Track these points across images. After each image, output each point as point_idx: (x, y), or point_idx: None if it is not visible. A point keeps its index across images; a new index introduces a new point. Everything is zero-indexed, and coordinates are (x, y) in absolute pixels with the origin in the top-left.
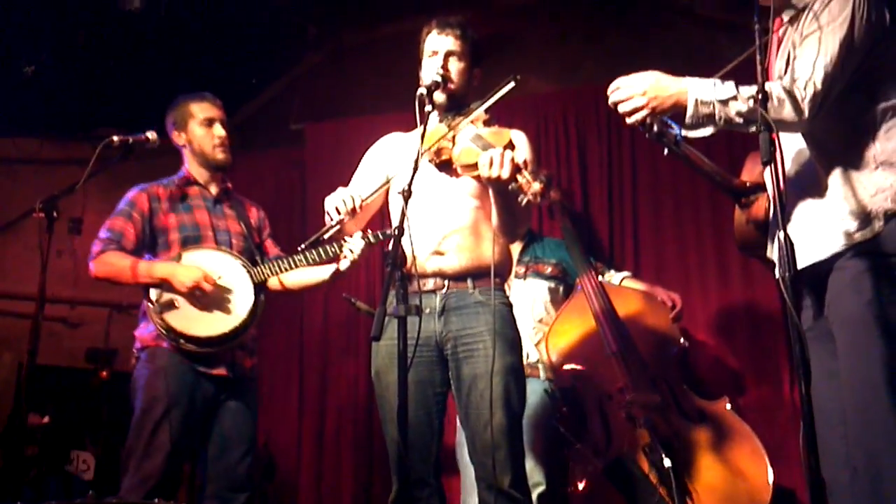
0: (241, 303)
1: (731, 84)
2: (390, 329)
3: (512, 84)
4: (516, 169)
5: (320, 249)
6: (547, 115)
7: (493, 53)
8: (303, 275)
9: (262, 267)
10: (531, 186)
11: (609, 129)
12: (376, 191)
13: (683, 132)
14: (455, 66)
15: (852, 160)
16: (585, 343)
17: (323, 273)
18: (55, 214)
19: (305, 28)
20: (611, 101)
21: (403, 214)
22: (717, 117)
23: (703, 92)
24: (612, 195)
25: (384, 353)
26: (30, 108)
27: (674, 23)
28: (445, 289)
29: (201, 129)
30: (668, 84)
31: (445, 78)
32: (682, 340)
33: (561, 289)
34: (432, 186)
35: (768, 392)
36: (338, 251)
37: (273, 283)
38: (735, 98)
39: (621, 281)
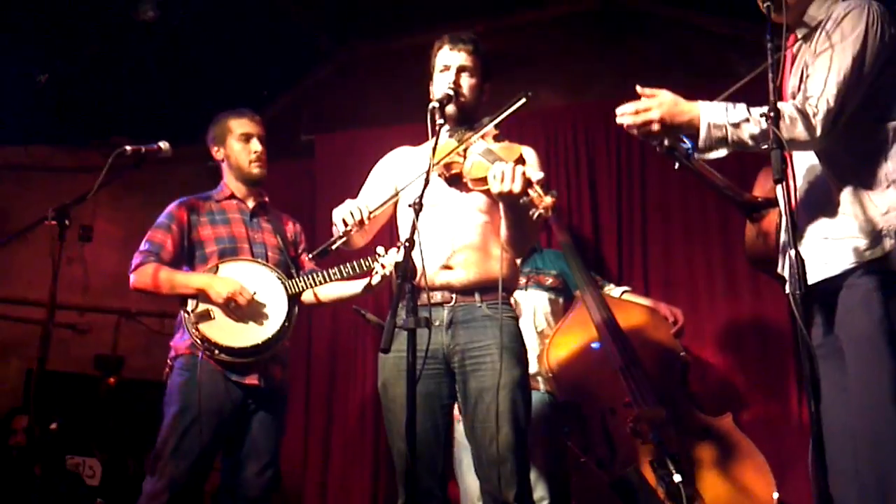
0: (276, 315)
1: (742, 107)
2: (398, 341)
3: (523, 100)
4: (527, 183)
5: (354, 263)
6: (557, 130)
7: (504, 68)
8: (336, 288)
9: (297, 280)
10: (542, 200)
11: (619, 144)
12: (384, 203)
13: (697, 155)
14: (467, 81)
15: (864, 178)
16: (587, 356)
17: (356, 287)
18: (66, 223)
19: (317, 39)
20: (621, 118)
21: (414, 227)
22: (729, 140)
23: (716, 115)
24: (622, 210)
25: (391, 366)
26: (42, 115)
27: (684, 38)
28: (453, 302)
29: (238, 145)
30: (681, 104)
31: (457, 93)
32: (684, 355)
33: (561, 300)
34: (442, 200)
35: (776, 408)
36: (371, 265)
37: (307, 296)
38: (747, 120)
39: (621, 295)
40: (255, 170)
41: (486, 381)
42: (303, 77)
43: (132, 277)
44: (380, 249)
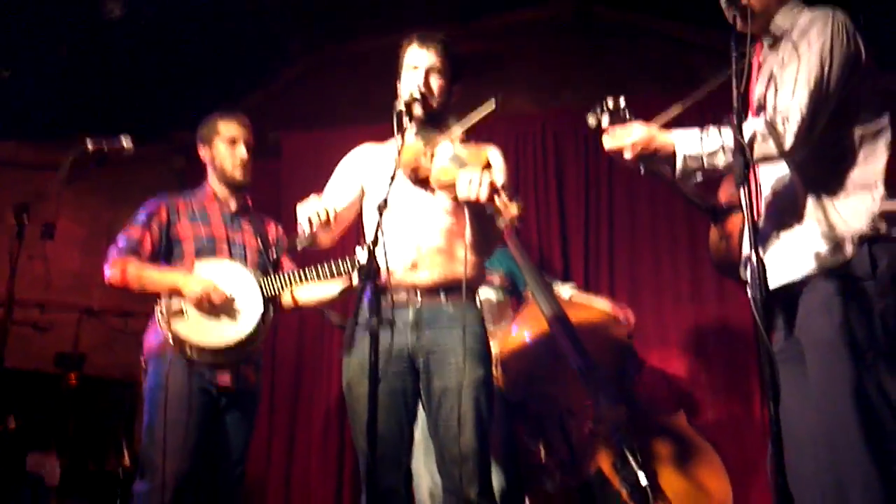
0: (250, 315)
1: (715, 133)
2: (363, 343)
3: (492, 107)
4: (494, 191)
5: (332, 265)
6: (526, 134)
7: (474, 72)
8: (314, 291)
9: (273, 280)
10: (508, 210)
11: (587, 150)
12: (350, 203)
13: (676, 178)
14: (436, 82)
15: (830, 184)
16: (541, 355)
17: (333, 289)
18: (25, 221)
19: (286, 40)
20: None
21: (379, 227)
22: (705, 167)
23: (691, 146)
24: (589, 215)
25: (356, 366)
26: (7, 111)
27: (653, 47)
28: (419, 303)
29: (225, 148)
30: (656, 139)
31: (424, 95)
32: (635, 354)
33: (509, 300)
34: (407, 201)
35: (739, 410)
36: (349, 268)
37: (286, 300)
38: (722, 149)
39: (570, 296)
40: (239, 175)
41: (450, 381)
42: (270, 77)
43: (107, 271)
44: (358, 250)
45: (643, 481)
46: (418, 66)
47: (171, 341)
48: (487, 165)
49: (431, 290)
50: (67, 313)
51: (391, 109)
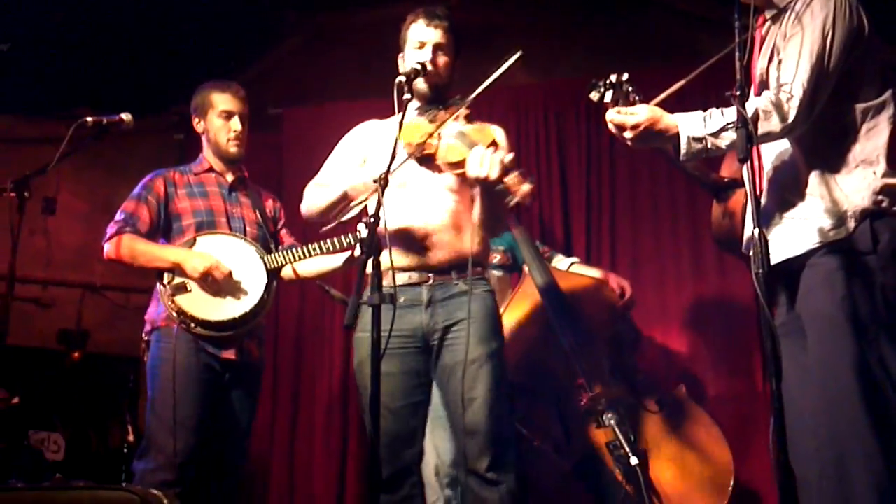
0: (253, 289)
1: (718, 114)
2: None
3: (517, 57)
4: (505, 170)
5: (334, 240)
6: (527, 107)
7: (474, 43)
8: (316, 263)
9: (276, 255)
10: (519, 188)
11: (588, 123)
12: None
13: (681, 160)
14: (442, 59)
15: (832, 160)
16: (536, 334)
17: (336, 261)
18: (27, 195)
19: (284, 12)
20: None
21: (379, 203)
22: (709, 148)
23: (695, 128)
24: (591, 189)
25: (367, 345)
26: (4, 85)
27: (655, 18)
28: (431, 281)
29: (219, 121)
30: (661, 121)
31: (429, 71)
32: (634, 325)
33: (509, 278)
34: (413, 180)
35: (740, 385)
36: (350, 241)
37: (287, 272)
38: (725, 129)
39: (569, 267)
40: (233, 148)
41: (459, 355)
42: (270, 50)
43: (105, 247)
44: (360, 226)
45: (633, 461)
46: (425, 42)
47: (174, 316)
48: (493, 143)
49: (442, 269)
50: (69, 289)
51: (392, 83)
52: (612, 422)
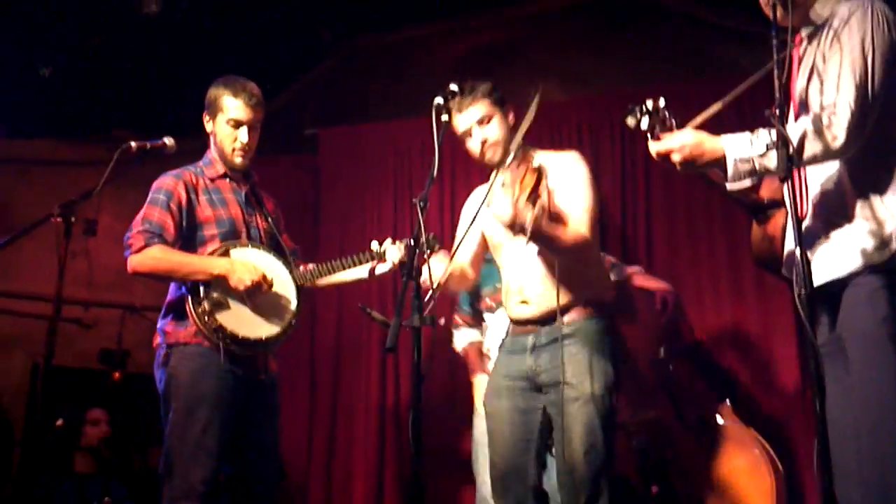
0: (287, 306)
1: (764, 133)
2: (496, 365)
3: (536, 100)
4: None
5: (359, 256)
6: (560, 124)
7: (505, 61)
8: (341, 275)
9: (305, 271)
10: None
11: (623, 140)
12: (474, 253)
13: (728, 186)
14: (491, 129)
15: (878, 180)
16: None
17: (361, 272)
18: (72, 220)
19: (319, 33)
20: (654, 154)
21: (420, 225)
22: (757, 170)
23: (741, 150)
24: (626, 206)
25: (489, 384)
26: (46, 109)
27: (687, 32)
28: (537, 331)
29: (227, 128)
30: (704, 144)
31: (491, 151)
32: (681, 338)
33: None
34: (506, 237)
35: (780, 404)
36: (370, 258)
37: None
38: (770, 150)
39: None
40: (238, 159)
41: (559, 397)
42: (305, 71)
43: (134, 259)
44: (374, 244)
45: (654, 489)
46: (469, 128)
47: (208, 333)
48: (525, 179)
49: (544, 320)
50: (110, 310)
51: (427, 101)
52: (641, 447)
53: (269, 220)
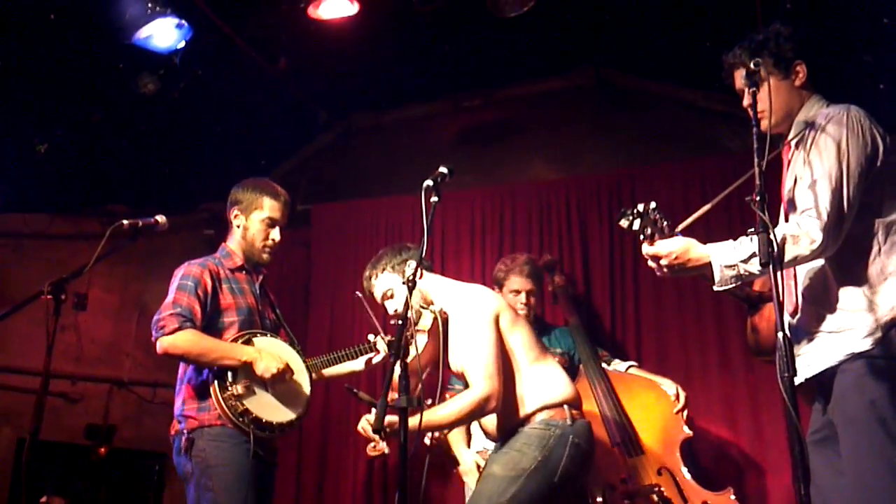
0: (302, 393)
1: (746, 241)
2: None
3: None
4: None
5: (359, 347)
6: (550, 201)
7: (498, 139)
8: (340, 367)
9: (315, 361)
10: None
11: (611, 217)
12: None
13: (715, 288)
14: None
15: (861, 274)
16: (588, 429)
17: (357, 364)
18: (63, 297)
19: (315, 112)
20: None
21: (407, 305)
22: (741, 274)
23: (726, 257)
24: (615, 282)
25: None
26: (41, 184)
27: (674, 114)
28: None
29: (261, 226)
30: (691, 251)
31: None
32: (686, 430)
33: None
34: None
35: (772, 482)
36: (367, 349)
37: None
38: (754, 255)
39: (627, 370)
40: (265, 255)
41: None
42: (300, 148)
43: (166, 340)
44: (370, 336)
45: None
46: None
47: (232, 416)
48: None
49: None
50: (98, 384)
51: (418, 180)
52: None
53: (277, 311)
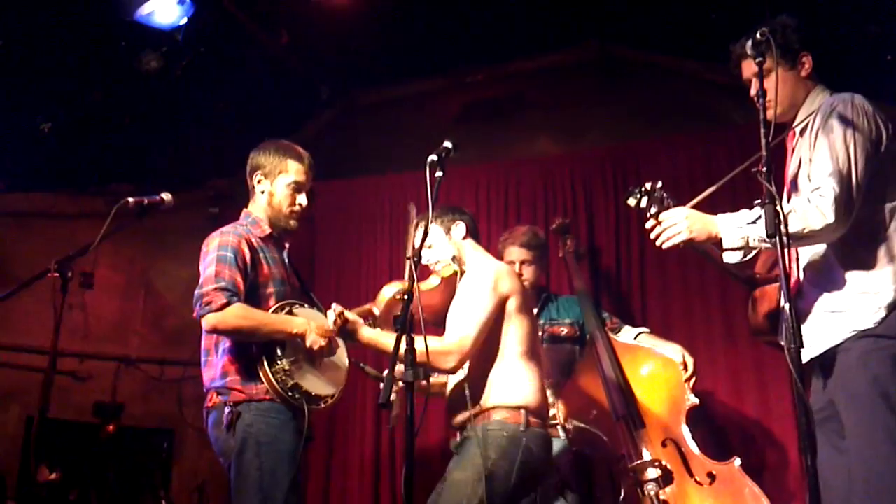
0: (341, 366)
1: (756, 209)
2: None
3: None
4: None
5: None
6: (554, 176)
7: (502, 115)
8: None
9: None
10: None
11: (616, 192)
12: None
13: (724, 258)
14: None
15: (864, 256)
16: (597, 404)
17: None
18: (69, 275)
19: (318, 88)
20: (653, 234)
21: (412, 279)
22: (750, 239)
23: (734, 220)
24: (620, 256)
25: None
26: (45, 162)
27: (679, 86)
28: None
29: (286, 190)
30: (702, 218)
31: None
32: (693, 398)
33: (577, 349)
34: None
35: (775, 455)
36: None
37: None
38: (760, 217)
39: (636, 336)
40: (293, 221)
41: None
42: (303, 125)
43: (214, 317)
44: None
45: None
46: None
47: (281, 390)
48: None
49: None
50: (105, 362)
51: (421, 156)
52: (652, 493)
53: (301, 280)
